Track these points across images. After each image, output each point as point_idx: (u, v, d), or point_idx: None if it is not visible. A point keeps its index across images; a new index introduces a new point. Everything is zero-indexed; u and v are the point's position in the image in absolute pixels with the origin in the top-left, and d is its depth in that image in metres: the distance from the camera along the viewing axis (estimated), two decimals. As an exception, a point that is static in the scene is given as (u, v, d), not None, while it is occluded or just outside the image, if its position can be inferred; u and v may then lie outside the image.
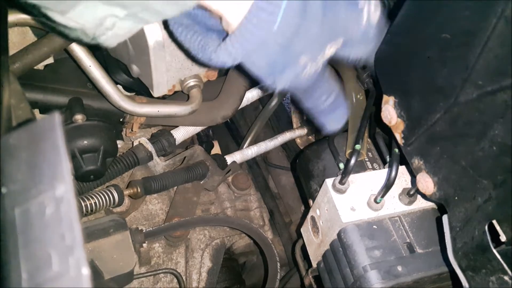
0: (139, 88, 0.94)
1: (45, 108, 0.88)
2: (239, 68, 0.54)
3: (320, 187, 0.78)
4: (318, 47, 0.52)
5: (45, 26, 0.51)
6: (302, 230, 0.88)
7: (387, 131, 0.72)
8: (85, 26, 0.44)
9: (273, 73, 0.52)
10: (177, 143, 1.11)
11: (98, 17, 0.43)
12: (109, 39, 0.46)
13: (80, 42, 0.79)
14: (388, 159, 0.81)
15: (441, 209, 0.66)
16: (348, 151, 0.83)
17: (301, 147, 1.30)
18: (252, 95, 1.14)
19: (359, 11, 0.54)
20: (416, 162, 0.64)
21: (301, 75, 0.53)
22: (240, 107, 1.09)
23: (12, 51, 0.80)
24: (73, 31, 0.45)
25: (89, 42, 0.48)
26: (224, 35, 0.51)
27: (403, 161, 0.70)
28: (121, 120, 0.97)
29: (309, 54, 0.51)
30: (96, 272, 0.80)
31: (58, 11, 0.42)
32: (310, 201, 0.89)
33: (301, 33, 0.48)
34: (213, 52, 0.50)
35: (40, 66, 0.90)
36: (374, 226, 0.73)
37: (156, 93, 0.91)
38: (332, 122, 0.63)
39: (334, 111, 0.62)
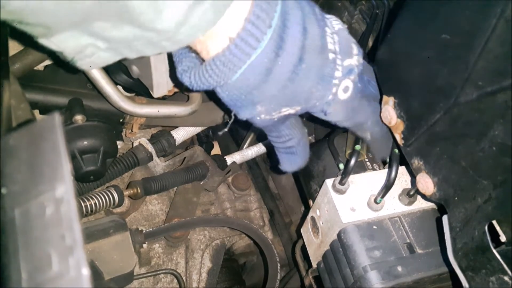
0: (139, 89, 0.94)
1: (45, 109, 0.88)
2: None
3: (320, 188, 0.78)
4: (273, 106, 0.54)
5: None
6: (302, 230, 0.88)
7: (387, 131, 0.72)
8: (65, 51, 0.46)
9: (233, 106, 0.55)
10: (177, 143, 1.11)
11: (79, 45, 0.45)
12: (85, 65, 0.48)
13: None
14: (388, 160, 0.81)
15: (441, 209, 0.66)
16: (348, 152, 0.83)
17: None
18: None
19: (328, 87, 0.54)
20: (416, 162, 0.64)
21: (255, 119, 0.56)
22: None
23: (12, 51, 0.80)
24: (52, 50, 0.46)
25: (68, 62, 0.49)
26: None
27: (403, 161, 0.70)
28: (121, 120, 0.97)
29: (265, 107, 0.53)
30: (96, 273, 0.80)
31: (41, 35, 0.44)
32: (310, 202, 0.89)
33: (259, 90, 0.51)
34: (179, 73, 0.53)
35: (40, 66, 0.90)
36: (374, 227, 0.73)
37: (156, 93, 0.91)
38: (285, 163, 0.65)
39: (289, 155, 0.64)
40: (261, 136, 1.31)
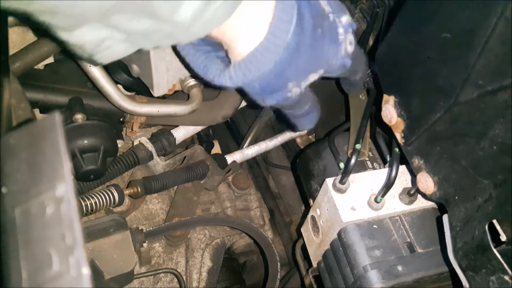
0: (139, 88, 0.94)
1: (45, 108, 0.88)
2: None
3: (320, 187, 0.78)
4: (303, 76, 0.58)
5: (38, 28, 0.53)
6: (302, 229, 0.88)
7: (388, 130, 0.72)
8: (85, 44, 0.47)
9: (263, 94, 0.58)
10: (177, 142, 1.11)
11: (99, 38, 0.46)
12: (104, 58, 0.50)
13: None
14: (388, 159, 0.81)
15: (442, 208, 0.66)
16: (350, 151, 0.83)
17: (302, 147, 1.30)
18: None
19: (338, 45, 0.59)
20: (417, 161, 0.64)
21: (287, 97, 0.59)
22: (240, 107, 1.09)
23: (12, 51, 0.80)
24: (71, 44, 0.47)
25: (84, 58, 0.51)
26: (226, 59, 0.56)
27: (403, 160, 0.70)
28: (121, 119, 0.97)
29: (295, 81, 0.57)
30: (96, 272, 0.80)
31: (64, 29, 0.45)
32: (311, 201, 0.89)
33: (293, 65, 0.54)
34: (216, 76, 0.55)
35: (40, 65, 0.90)
36: (375, 226, 0.73)
37: (156, 92, 0.91)
38: (305, 124, 0.70)
39: (306, 116, 0.68)
40: (261, 137, 1.31)
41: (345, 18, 0.59)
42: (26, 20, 0.42)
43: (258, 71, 0.52)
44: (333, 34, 0.58)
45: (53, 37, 0.46)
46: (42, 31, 0.45)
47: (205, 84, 0.92)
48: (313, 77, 0.60)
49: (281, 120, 1.39)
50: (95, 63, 0.51)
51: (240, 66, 0.52)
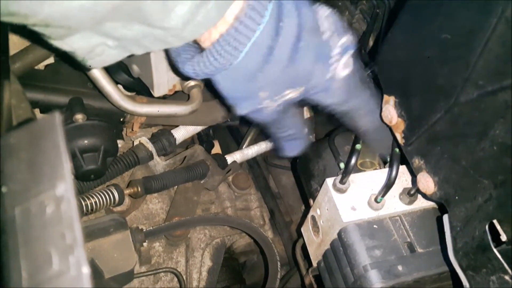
0: (139, 88, 0.94)
1: (46, 108, 0.88)
2: None
3: (320, 187, 0.78)
4: (277, 89, 0.55)
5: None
6: (302, 229, 0.88)
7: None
8: (77, 51, 0.48)
9: (234, 98, 0.56)
10: (177, 142, 1.11)
11: (91, 45, 0.47)
12: (96, 63, 0.50)
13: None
14: (388, 159, 0.81)
15: (442, 208, 0.66)
16: (360, 161, 0.82)
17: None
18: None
19: (327, 65, 0.56)
20: (417, 161, 0.64)
21: (260, 108, 0.57)
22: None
23: (12, 51, 0.80)
24: (64, 50, 0.48)
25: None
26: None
27: (403, 160, 0.70)
28: (121, 119, 0.97)
29: (268, 92, 0.55)
30: (96, 271, 0.80)
31: (56, 38, 0.46)
32: (311, 201, 0.89)
33: (262, 72, 0.52)
34: (181, 63, 0.54)
35: (41, 66, 0.90)
36: (375, 226, 0.73)
37: (157, 93, 0.91)
38: (288, 150, 0.68)
39: (289, 141, 0.66)
40: (260, 136, 1.31)
41: (344, 39, 0.56)
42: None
43: (217, 64, 0.51)
44: (323, 52, 0.55)
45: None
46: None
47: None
48: (291, 94, 0.57)
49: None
50: (88, 68, 0.52)
51: (202, 56, 0.51)
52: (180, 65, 0.54)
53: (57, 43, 0.46)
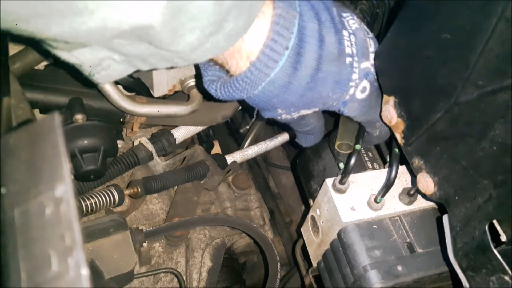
0: (139, 88, 0.94)
1: (46, 108, 0.88)
2: None
3: (320, 187, 0.78)
4: (293, 110, 0.59)
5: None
6: (302, 229, 0.88)
7: (388, 131, 0.72)
8: (84, 64, 0.48)
9: (257, 107, 0.60)
10: (177, 142, 1.11)
11: (98, 58, 0.48)
12: (102, 78, 0.51)
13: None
14: (388, 159, 0.81)
15: (442, 208, 0.66)
16: (337, 143, 0.81)
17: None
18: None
19: (344, 91, 0.58)
20: (417, 162, 0.64)
21: (277, 117, 0.61)
22: (240, 107, 1.09)
23: (12, 51, 0.80)
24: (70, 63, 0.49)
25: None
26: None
27: (403, 161, 0.70)
28: (121, 120, 0.97)
29: (285, 110, 0.58)
30: (96, 272, 0.80)
31: (63, 49, 0.46)
32: (310, 201, 0.89)
33: (279, 99, 0.55)
34: (205, 82, 0.58)
35: (41, 66, 0.90)
36: (374, 226, 0.73)
37: (157, 93, 0.91)
38: (302, 141, 0.72)
39: (304, 135, 0.70)
40: (260, 137, 1.31)
41: (365, 65, 0.57)
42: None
43: (237, 94, 0.55)
44: (343, 78, 0.56)
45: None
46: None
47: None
48: (306, 112, 0.60)
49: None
50: (93, 83, 0.52)
51: (224, 85, 0.55)
52: (205, 83, 0.58)
53: (64, 55, 0.47)
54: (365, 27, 0.61)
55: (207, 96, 1.02)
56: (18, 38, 0.40)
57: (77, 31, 0.40)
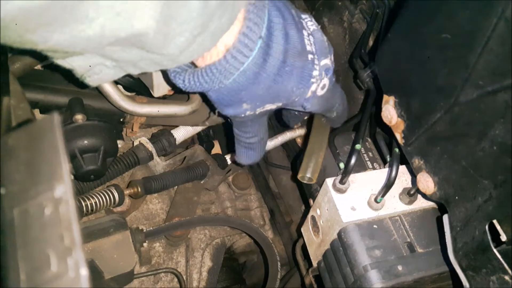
0: (139, 88, 0.94)
1: (46, 108, 0.88)
2: None
3: (320, 187, 0.78)
4: (258, 104, 0.59)
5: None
6: (302, 229, 0.88)
7: (388, 130, 0.72)
8: (77, 69, 0.50)
9: (220, 104, 0.60)
10: (177, 142, 1.11)
11: (90, 64, 0.49)
12: (93, 81, 0.52)
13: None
14: (388, 159, 0.81)
15: (442, 208, 0.65)
16: (300, 175, 0.78)
17: (302, 147, 1.30)
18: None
19: (307, 86, 0.59)
20: (417, 161, 0.64)
21: (240, 114, 0.61)
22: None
23: (12, 51, 0.80)
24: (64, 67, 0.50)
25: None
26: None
27: (403, 160, 0.70)
28: (121, 120, 0.97)
29: (250, 105, 0.59)
30: (96, 272, 0.80)
31: (58, 57, 0.48)
32: (311, 201, 0.89)
33: (247, 91, 0.56)
34: (172, 74, 0.57)
35: (40, 66, 0.89)
36: (375, 226, 0.73)
37: (157, 93, 0.91)
38: (242, 156, 0.72)
39: (248, 149, 0.71)
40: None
41: (325, 62, 0.59)
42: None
43: (208, 84, 0.55)
44: (305, 74, 0.58)
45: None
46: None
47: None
48: (271, 107, 0.61)
49: (281, 121, 1.38)
50: (84, 85, 0.53)
51: (193, 74, 0.55)
52: (171, 75, 0.57)
53: (58, 62, 0.48)
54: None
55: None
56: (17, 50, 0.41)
57: (77, 39, 0.41)
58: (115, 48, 0.46)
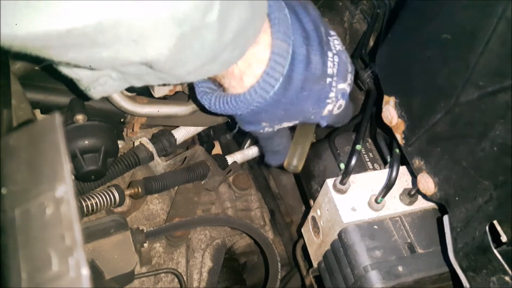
0: (139, 88, 0.94)
1: (46, 108, 0.88)
2: None
3: (320, 187, 0.78)
4: (277, 122, 0.63)
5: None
6: (303, 230, 0.88)
7: (388, 131, 0.72)
8: (82, 79, 0.51)
9: (240, 121, 0.65)
10: (178, 143, 1.11)
11: (96, 75, 0.50)
12: (97, 93, 0.53)
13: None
14: (389, 160, 0.81)
15: (442, 209, 0.66)
16: (285, 164, 0.77)
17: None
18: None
19: (322, 107, 0.62)
20: (417, 162, 0.64)
21: (260, 131, 0.65)
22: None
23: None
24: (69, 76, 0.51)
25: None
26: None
27: (403, 161, 0.70)
28: (122, 120, 0.97)
29: (269, 124, 0.63)
30: (97, 272, 0.80)
31: (65, 66, 0.48)
32: (311, 201, 0.89)
33: (268, 113, 0.60)
34: (198, 93, 0.61)
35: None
36: (375, 226, 0.73)
37: (157, 93, 0.91)
38: (271, 160, 0.75)
39: (274, 155, 0.74)
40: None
41: (342, 86, 0.61)
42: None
43: (232, 111, 0.58)
44: (322, 96, 0.60)
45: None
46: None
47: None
48: (287, 124, 0.65)
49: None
50: (88, 97, 0.54)
51: (220, 100, 0.58)
52: (198, 94, 0.61)
53: (65, 70, 0.49)
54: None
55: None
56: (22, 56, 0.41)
57: (91, 59, 0.43)
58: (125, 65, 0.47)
